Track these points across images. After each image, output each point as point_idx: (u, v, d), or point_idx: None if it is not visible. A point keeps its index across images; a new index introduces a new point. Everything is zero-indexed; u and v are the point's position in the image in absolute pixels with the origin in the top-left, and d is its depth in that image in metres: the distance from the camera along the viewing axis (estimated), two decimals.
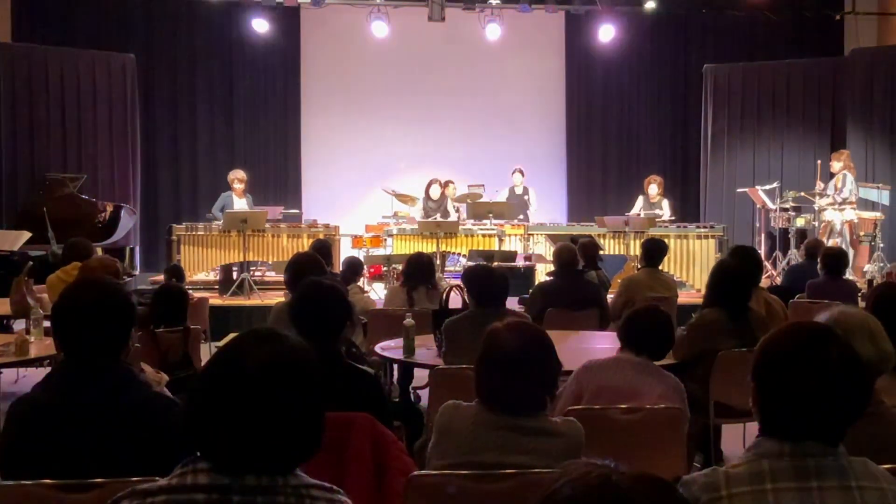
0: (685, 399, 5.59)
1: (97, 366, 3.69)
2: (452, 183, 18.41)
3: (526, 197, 18.41)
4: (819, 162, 17.61)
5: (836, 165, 16.99)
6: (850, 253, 16.24)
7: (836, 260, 11.14)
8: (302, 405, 2.58)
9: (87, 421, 3.58)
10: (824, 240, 16.04)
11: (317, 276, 6.51)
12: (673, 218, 17.41)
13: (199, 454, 2.58)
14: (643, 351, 5.73)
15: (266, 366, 2.55)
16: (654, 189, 17.49)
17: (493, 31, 19.48)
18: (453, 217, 17.45)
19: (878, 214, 16.95)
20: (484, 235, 16.45)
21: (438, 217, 17.21)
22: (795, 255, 16.13)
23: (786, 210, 17.33)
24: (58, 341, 3.85)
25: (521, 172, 18.59)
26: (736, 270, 7.38)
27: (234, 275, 15.87)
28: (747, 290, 7.37)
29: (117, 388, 3.69)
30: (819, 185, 17.09)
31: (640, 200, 17.70)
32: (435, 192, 17.58)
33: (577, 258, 10.12)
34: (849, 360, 2.88)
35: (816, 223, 16.89)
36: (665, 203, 17.54)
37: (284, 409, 2.54)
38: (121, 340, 3.81)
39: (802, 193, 17.26)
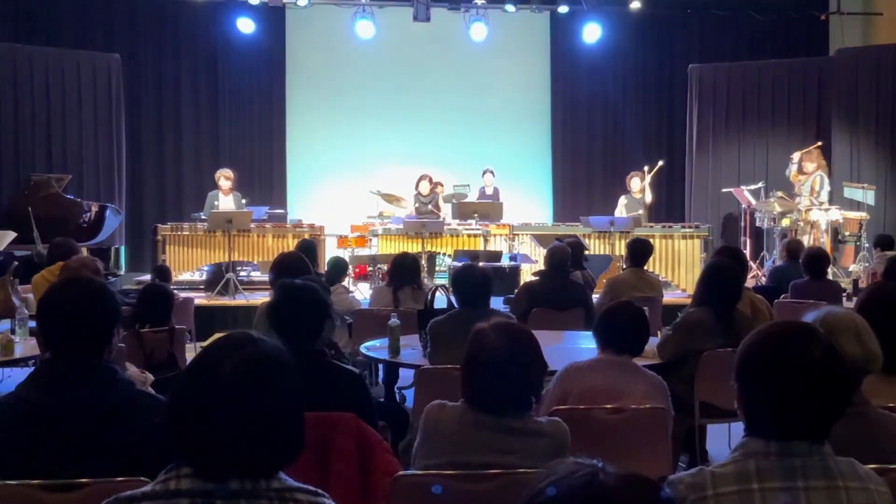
0: (669, 397, 5.59)
1: (81, 364, 3.68)
2: (441, 185, 18.40)
3: (494, 197, 18.36)
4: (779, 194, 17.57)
5: (808, 166, 17.02)
6: (841, 250, 16.31)
7: (817, 261, 11.17)
8: (279, 409, 2.58)
9: (71, 420, 3.56)
10: (807, 239, 16.09)
11: (302, 276, 6.51)
12: (648, 179, 17.35)
13: (181, 459, 2.58)
14: (623, 349, 5.73)
15: (241, 372, 2.56)
16: (636, 183, 17.43)
17: (478, 32, 19.49)
18: (444, 214, 17.46)
19: (863, 214, 16.98)
20: (469, 235, 16.44)
21: (431, 209, 17.20)
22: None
23: (771, 210, 17.33)
24: (41, 338, 3.84)
25: (492, 173, 18.59)
26: (729, 271, 7.38)
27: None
28: (737, 290, 7.37)
29: (101, 387, 3.67)
30: (803, 192, 17.09)
31: (622, 200, 17.60)
32: (424, 188, 17.56)
33: (568, 260, 10.11)
34: (831, 358, 2.88)
35: (802, 223, 16.91)
36: (648, 191, 17.48)
37: (262, 413, 2.54)
38: (104, 338, 3.79)
39: (781, 194, 17.28)
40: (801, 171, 17.35)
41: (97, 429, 3.57)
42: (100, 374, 3.71)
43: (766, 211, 17.34)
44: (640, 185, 17.44)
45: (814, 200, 16.65)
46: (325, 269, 11.51)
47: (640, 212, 17.03)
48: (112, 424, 3.59)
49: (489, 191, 18.51)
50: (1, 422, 3.64)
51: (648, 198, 17.34)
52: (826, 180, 16.78)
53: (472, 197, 18.15)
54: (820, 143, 17.81)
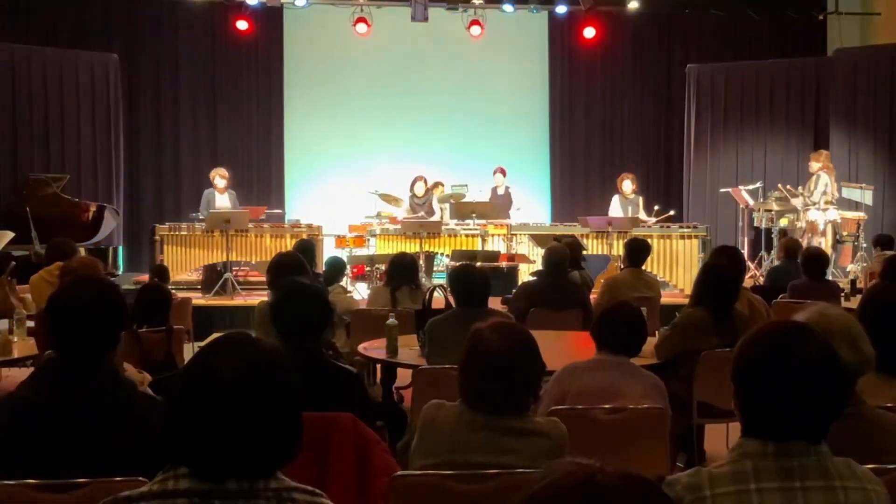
0: (666, 397, 5.59)
1: (84, 365, 3.69)
2: (441, 185, 18.40)
3: (507, 197, 18.37)
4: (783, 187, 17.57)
5: (813, 166, 17.03)
6: (836, 251, 16.30)
7: (816, 261, 11.15)
8: (277, 409, 2.58)
9: (72, 420, 3.57)
10: (806, 239, 16.09)
11: (299, 276, 6.51)
12: (670, 213, 17.28)
13: (179, 460, 2.58)
14: (620, 349, 5.73)
15: (239, 371, 2.56)
16: (628, 186, 17.38)
17: (476, 32, 19.47)
18: (438, 215, 17.43)
19: (861, 214, 16.98)
20: (467, 235, 16.45)
21: (423, 214, 17.16)
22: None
23: (769, 210, 17.33)
24: (51, 336, 3.84)
25: (503, 172, 18.55)
26: (726, 271, 7.38)
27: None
28: (735, 290, 7.37)
29: (103, 388, 3.68)
30: (798, 191, 17.11)
31: (615, 200, 17.59)
32: (419, 189, 17.54)
33: (567, 261, 10.08)
34: (827, 357, 2.89)
35: (800, 223, 16.91)
36: (640, 200, 17.48)
37: (260, 413, 2.54)
38: (112, 340, 3.81)
39: (787, 187, 17.26)
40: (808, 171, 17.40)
41: (98, 429, 3.58)
42: (102, 374, 3.72)
43: (763, 211, 17.35)
44: (632, 187, 17.42)
45: (807, 200, 16.63)
46: (323, 269, 11.52)
47: (636, 214, 17.02)
48: (113, 425, 3.60)
49: (501, 190, 18.48)
50: (1, 421, 3.64)
51: (642, 213, 17.31)
52: (823, 180, 16.72)
53: (484, 197, 18.05)
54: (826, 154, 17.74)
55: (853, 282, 12.83)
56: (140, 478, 3.26)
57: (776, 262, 15.05)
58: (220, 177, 16.82)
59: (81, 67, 18.60)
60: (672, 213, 17.37)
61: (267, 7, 19.40)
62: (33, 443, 3.58)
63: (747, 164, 19.95)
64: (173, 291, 10.06)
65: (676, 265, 16.31)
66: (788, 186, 17.35)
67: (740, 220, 18.49)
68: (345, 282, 12.72)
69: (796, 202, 16.84)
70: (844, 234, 16.95)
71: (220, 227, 15.52)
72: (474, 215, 16.44)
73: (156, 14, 19.91)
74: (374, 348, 7.71)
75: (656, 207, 17.50)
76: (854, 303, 9.31)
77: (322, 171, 20.51)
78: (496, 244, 16.65)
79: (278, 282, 7.08)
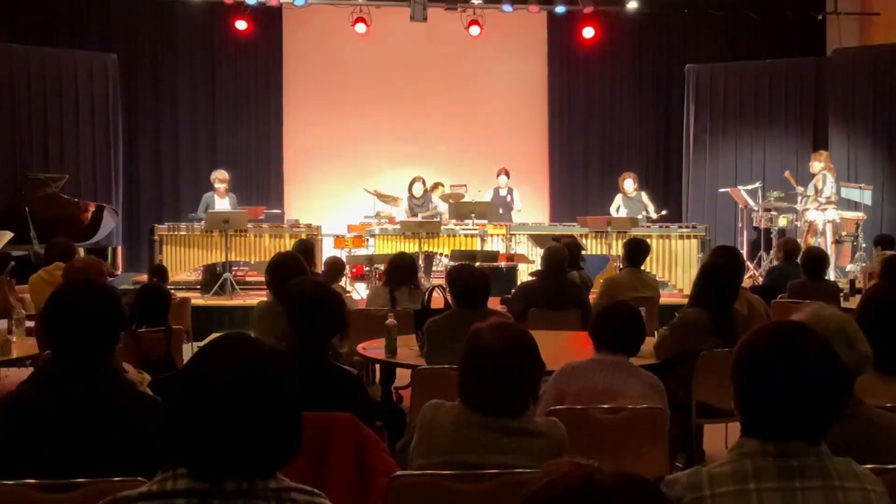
0: (665, 397, 5.59)
1: (84, 366, 3.68)
2: (441, 185, 18.39)
3: (510, 198, 18.39)
4: (787, 173, 17.64)
5: (815, 166, 17.04)
6: (833, 252, 16.30)
7: (816, 261, 11.15)
8: (277, 409, 2.58)
9: (72, 420, 3.57)
10: (808, 240, 16.11)
11: (298, 276, 6.52)
12: (663, 213, 17.37)
13: (178, 460, 2.58)
14: (619, 349, 5.72)
15: (239, 371, 2.56)
16: (629, 184, 17.46)
17: (475, 31, 19.45)
18: (444, 214, 17.42)
19: (860, 214, 17.00)
20: (466, 235, 16.44)
21: (421, 216, 17.14)
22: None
23: (768, 210, 17.33)
24: (48, 339, 3.85)
25: (507, 174, 18.55)
26: (725, 271, 7.37)
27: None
28: (734, 290, 7.37)
29: (103, 388, 3.68)
30: (799, 189, 17.13)
31: (618, 199, 17.64)
32: (417, 190, 17.53)
33: (566, 261, 10.08)
34: (826, 357, 2.89)
35: (799, 223, 16.93)
36: (644, 196, 17.53)
37: (259, 413, 2.54)
38: (110, 341, 3.80)
39: (778, 194, 17.32)
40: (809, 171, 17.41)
41: (98, 429, 3.58)
42: (102, 375, 3.72)
43: (762, 211, 17.36)
44: (634, 185, 17.46)
45: (819, 199, 16.64)
46: (322, 269, 11.51)
47: (642, 214, 17.03)
48: (113, 425, 3.60)
49: (503, 192, 18.47)
50: (2, 421, 3.64)
51: (651, 208, 17.35)
52: (829, 179, 16.75)
53: (486, 197, 18.00)
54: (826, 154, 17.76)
55: (852, 282, 12.84)
56: (140, 478, 3.26)
57: (775, 263, 15.04)
58: (219, 180, 16.81)
59: (80, 67, 18.60)
60: (664, 212, 17.43)
61: (266, 7, 19.39)
62: (33, 443, 3.58)
63: (746, 164, 19.94)
64: (172, 291, 10.04)
65: (675, 265, 16.31)
66: (788, 172, 17.40)
67: (739, 221, 18.50)
68: (344, 282, 12.72)
69: (807, 206, 16.84)
70: (844, 234, 16.96)
71: (219, 227, 15.52)
72: (473, 215, 16.43)
73: (155, 14, 19.88)
74: (373, 348, 7.70)
75: (664, 212, 17.55)
76: (853, 303, 9.34)
77: (321, 171, 20.50)
78: (495, 244, 16.65)
79: (277, 282, 7.10)
